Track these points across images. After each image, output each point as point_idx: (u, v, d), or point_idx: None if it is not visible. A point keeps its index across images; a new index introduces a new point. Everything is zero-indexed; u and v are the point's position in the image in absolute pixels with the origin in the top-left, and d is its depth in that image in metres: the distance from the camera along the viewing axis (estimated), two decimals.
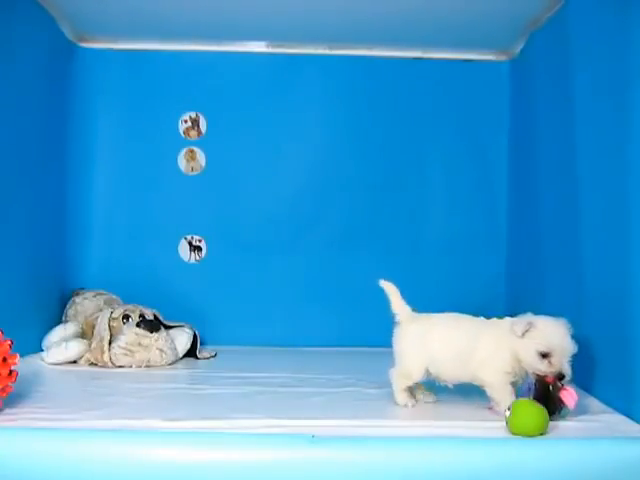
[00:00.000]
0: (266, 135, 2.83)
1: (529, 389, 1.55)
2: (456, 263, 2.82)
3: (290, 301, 2.81)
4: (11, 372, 1.58)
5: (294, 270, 2.82)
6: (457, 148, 2.85)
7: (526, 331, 1.60)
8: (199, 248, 2.83)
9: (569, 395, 1.56)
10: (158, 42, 2.77)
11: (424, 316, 1.85)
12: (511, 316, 2.66)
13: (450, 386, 1.80)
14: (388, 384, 1.97)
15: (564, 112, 2.13)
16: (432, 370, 1.78)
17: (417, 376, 1.79)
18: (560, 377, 1.55)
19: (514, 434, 1.48)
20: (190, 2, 2.39)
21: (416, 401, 1.80)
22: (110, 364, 2.25)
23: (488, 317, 1.89)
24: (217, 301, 2.80)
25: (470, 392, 1.84)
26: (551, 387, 1.58)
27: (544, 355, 1.57)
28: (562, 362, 1.56)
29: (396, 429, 1.54)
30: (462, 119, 2.85)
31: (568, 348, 1.57)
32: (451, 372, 1.76)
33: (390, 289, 1.89)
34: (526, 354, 1.60)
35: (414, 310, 1.88)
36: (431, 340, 1.78)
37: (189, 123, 2.83)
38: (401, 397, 1.79)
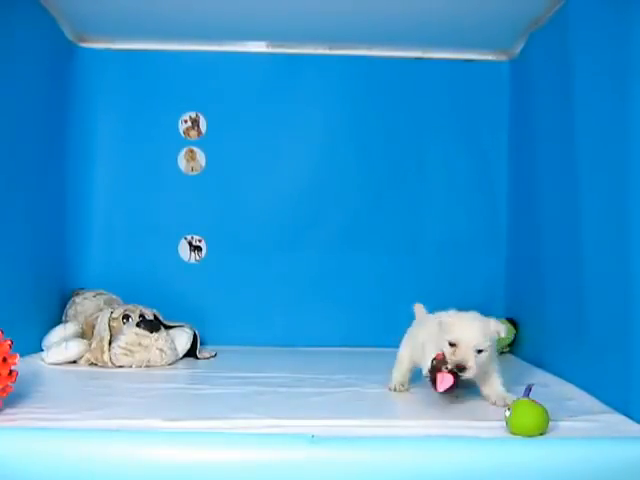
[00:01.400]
0: (266, 135, 2.83)
1: (529, 389, 1.55)
2: (456, 263, 2.82)
3: (290, 301, 2.81)
4: (11, 372, 1.58)
5: (294, 270, 2.82)
6: (457, 148, 2.85)
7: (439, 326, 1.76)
8: (199, 248, 2.83)
9: (441, 378, 1.67)
10: (158, 42, 2.77)
11: (430, 315, 1.96)
12: (511, 317, 2.69)
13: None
14: (388, 384, 1.97)
15: (564, 112, 2.12)
16: (414, 359, 1.94)
17: (405, 362, 1.97)
18: (461, 368, 1.67)
19: (514, 434, 1.48)
20: (190, 2, 2.39)
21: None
22: (110, 364, 2.25)
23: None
24: (217, 301, 2.80)
25: (469, 392, 1.84)
26: (435, 361, 1.72)
27: (451, 345, 1.70)
28: (465, 353, 1.67)
29: (396, 429, 1.54)
30: (462, 119, 2.84)
31: (470, 341, 1.68)
32: (422, 361, 1.87)
33: (418, 309, 2.09)
34: (442, 343, 1.73)
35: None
36: (417, 332, 1.95)
37: (189, 123, 2.83)
38: (395, 380, 1.96)
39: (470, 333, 1.69)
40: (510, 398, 1.71)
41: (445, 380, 1.66)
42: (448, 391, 1.68)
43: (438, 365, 1.70)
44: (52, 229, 2.59)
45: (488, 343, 1.70)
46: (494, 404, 1.75)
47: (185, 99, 2.83)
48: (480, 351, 1.69)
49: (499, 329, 1.74)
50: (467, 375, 1.68)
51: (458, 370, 1.67)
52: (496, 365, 1.81)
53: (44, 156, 2.50)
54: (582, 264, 1.97)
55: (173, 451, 1.35)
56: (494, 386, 1.79)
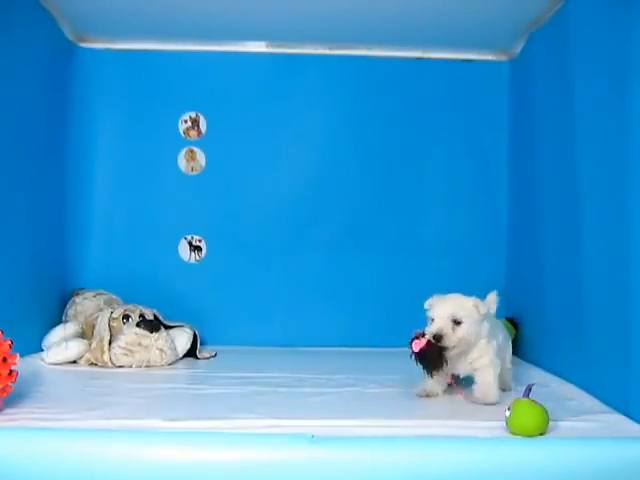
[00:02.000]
0: (266, 135, 2.83)
1: (529, 389, 1.55)
2: (456, 263, 2.82)
3: (290, 301, 2.81)
4: (11, 372, 1.58)
5: (294, 270, 2.82)
6: (457, 148, 2.85)
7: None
8: (199, 248, 2.83)
9: (416, 342, 1.78)
10: (158, 42, 2.77)
11: None
12: (511, 317, 2.69)
13: None
14: (388, 384, 1.97)
15: (564, 112, 2.13)
16: None
17: None
18: (438, 338, 1.75)
19: (514, 434, 1.48)
20: (190, 2, 2.39)
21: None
22: (110, 364, 2.25)
23: None
24: (217, 301, 2.80)
25: (470, 392, 1.84)
26: (413, 335, 1.82)
27: (432, 320, 1.80)
28: (439, 323, 1.76)
29: (396, 429, 1.54)
30: (462, 119, 2.84)
31: (444, 312, 1.77)
32: None
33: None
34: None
35: None
36: None
37: (189, 123, 2.83)
38: None
39: (445, 306, 1.78)
40: (493, 397, 1.75)
41: (419, 342, 1.77)
42: (428, 357, 1.76)
43: (417, 336, 1.80)
44: (52, 229, 2.58)
45: (464, 313, 1.76)
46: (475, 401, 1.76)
47: (185, 99, 2.83)
48: (458, 323, 1.76)
49: (478, 304, 1.78)
50: (445, 343, 1.74)
51: (436, 340, 1.75)
52: (489, 360, 1.81)
53: (44, 156, 2.50)
54: (582, 264, 1.97)
55: (173, 451, 1.35)
56: (483, 380, 1.79)
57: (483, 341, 1.81)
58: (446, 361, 1.77)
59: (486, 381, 1.79)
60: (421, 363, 1.78)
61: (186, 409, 1.70)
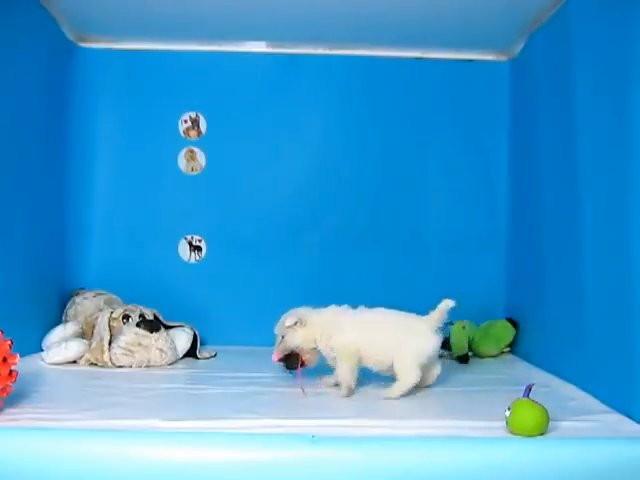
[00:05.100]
0: (266, 135, 2.83)
1: (529, 389, 1.55)
2: (456, 263, 2.82)
3: (290, 301, 2.80)
4: (11, 372, 1.58)
5: (294, 270, 2.82)
6: (457, 148, 2.85)
7: None
8: (199, 248, 2.83)
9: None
10: (158, 42, 2.77)
11: None
12: (511, 317, 2.69)
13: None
14: (388, 384, 1.97)
15: (564, 112, 2.13)
16: None
17: None
18: None
19: (514, 434, 1.48)
20: (190, 2, 2.39)
21: None
22: (110, 364, 2.25)
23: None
24: (217, 301, 2.80)
25: (469, 392, 1.84)
26: None
27: None
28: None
29: (396, 429, 1.54)
30: (462, 119, 2.84)
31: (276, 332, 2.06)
32: None
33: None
34: None
35: None
36: None
37: (189, 123, 2.83)
38: None
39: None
40: (349, 387, 1.88)
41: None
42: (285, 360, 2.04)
43: None
44: (52, 229, 2.58)
45: (278, 331, 2.04)
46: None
47: (185, 99, 2.83)
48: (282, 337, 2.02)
49: (285, 320, 2.04)
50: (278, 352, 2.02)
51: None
52: (339, 356, 1.93)
53: (44, 156, 2.50)
54: (582, 264, 1.97)
55: (173, 451, 1.35)
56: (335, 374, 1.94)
57: (331, 342, 1.96)
58: (299, 359, 1.99)
59: (339, 373, 1.93)
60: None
61: (186, 409, 1.71)
